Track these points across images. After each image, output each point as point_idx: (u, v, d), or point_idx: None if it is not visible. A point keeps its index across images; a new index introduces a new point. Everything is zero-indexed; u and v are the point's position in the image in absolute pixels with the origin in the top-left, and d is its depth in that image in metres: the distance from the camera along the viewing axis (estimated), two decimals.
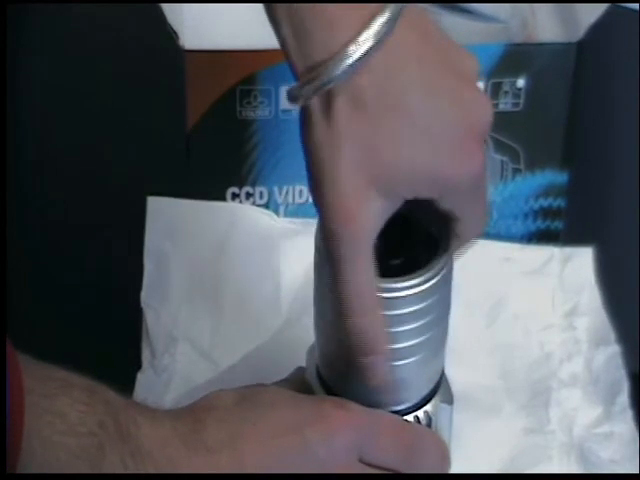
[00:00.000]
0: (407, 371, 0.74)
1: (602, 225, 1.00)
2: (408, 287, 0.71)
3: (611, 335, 0.92)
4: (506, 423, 0.89)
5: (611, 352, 0.91)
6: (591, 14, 0.93)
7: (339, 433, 0.73)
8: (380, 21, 0.67)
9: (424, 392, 0.77)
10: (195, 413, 0.73)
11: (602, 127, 1.03)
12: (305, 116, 0.71)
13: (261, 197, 0.98)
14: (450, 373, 0.78)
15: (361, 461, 0.74)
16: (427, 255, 0.73)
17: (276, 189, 0.98)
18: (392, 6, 0.68)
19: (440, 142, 0.70)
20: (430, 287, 0.71)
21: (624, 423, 0.88)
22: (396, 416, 0.77)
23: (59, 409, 0.67)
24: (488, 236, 0.97)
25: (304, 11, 0.69)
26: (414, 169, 0.70)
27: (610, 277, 0.93)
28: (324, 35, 0.68)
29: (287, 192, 0.98)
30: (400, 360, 0.73)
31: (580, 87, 0.94)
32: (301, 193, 0.98)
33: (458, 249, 0.77)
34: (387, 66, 0.69)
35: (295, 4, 0.69)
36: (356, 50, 0.67)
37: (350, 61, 0.67)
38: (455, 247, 0.76)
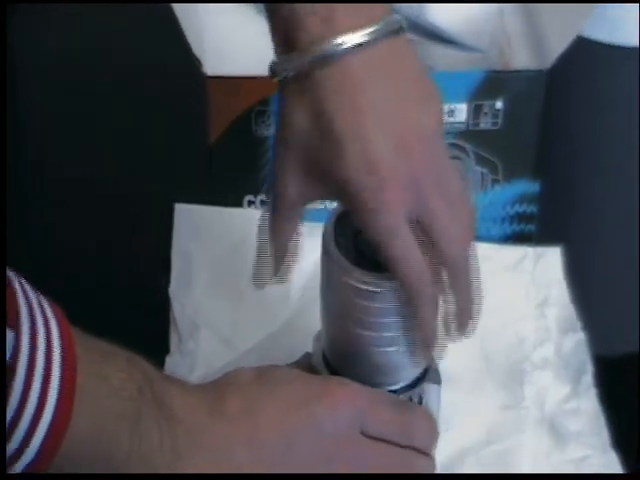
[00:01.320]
0: (399, 355, 0.74)
1: (569, 228, 1.00)
2: (396, 282, 0.71)
3: (577, 324, 0.92)
4: (486, 400, 0.88)
5: (577, 338, 0.92)
6: (560, 45, 0.92)
7: (343, 407, 0.73)
8: (374, 28, 0.70)
9: (416, 374, 0.77)
10: (218, 387, 0.74)
11: (568, 143, 1.03)
12: (282, 92, 0.73)
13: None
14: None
15: (362, 433, 0.74)
16: None
17: None
18: (386, 23, 0.70)
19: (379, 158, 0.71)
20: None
21: (589, 400, 0.88)
22: (393, 394, 0.77)
23: (104, 374, 0.68)
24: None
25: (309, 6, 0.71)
26: (339, 174, 0.71)
27: (576, 273, 0.93)
28: (323, 24, 0.70)
29: None
30: (393, 346, 0.73)
31: (550, 109, 0.94)
32: None
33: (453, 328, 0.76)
34: (361, 69, 0.70)
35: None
36: (346, 42, 0.68)
37: (337, 50, 0.69)
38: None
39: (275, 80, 0.74)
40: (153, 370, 0.72)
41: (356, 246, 0.74)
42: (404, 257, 0.72)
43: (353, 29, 0.69)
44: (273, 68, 0.73)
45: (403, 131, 0.71)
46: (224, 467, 0.72)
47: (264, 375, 0.75)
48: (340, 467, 0.74)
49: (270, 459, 0.73)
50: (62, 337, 0.66)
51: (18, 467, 0.65)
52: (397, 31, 0.72)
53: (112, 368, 0.69)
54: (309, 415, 0.73)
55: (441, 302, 0.74)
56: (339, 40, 0.69)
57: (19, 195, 1.07)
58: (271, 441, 0.73)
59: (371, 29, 0.70)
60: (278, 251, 0.78)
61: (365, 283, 0.72)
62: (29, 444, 0.64)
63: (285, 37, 0.73)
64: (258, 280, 0.79)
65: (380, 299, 0.72)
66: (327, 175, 0.73)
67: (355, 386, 0.76)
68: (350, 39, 0.69)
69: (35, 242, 1.02)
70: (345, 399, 0.74)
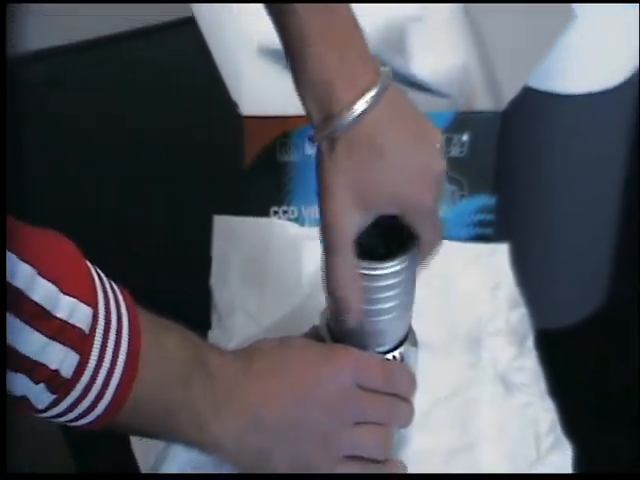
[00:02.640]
0: (386, 324, 0.78)
1: (516, 231, 1.02)
2: (386, 267, 0.75)
3: (521, 302, 0.94)
4: (453, 361, 0.90)
5: (521, 313, 0.93)
6: (511, 92, 0.95)
7: (343, 367, 0.77)
8: (370, 95, 0.73)
9: (398, 338, 0.80)
10: (248, 352, 0.77)
11: (517, 167, 1.05)
12: (318, 153, 0.76)
13: (293, 213, 0.99)
14: (416, 326, 0.82)
15: (358, 386, 0.77)
16: (402, 251, 0.76)
17: (303, 208, 0.99)
18: (379, 84, 0.74)
19: (406, 177, 0.75)
20: (400, 269, 0.76)
21: (531, 359, 0.90)
22: (381, 356, 0.80)
23: (162, 342, 0.71)
24: (444, 238, 0.93)
25: (320, 89, 0.74)
26: (386, 193, 0.75)
27: (520, 264, 0.96)
28: (334, 103, 0.73)
29: (310, 210, 0.99)
30: (382, 317, 0.77)
31: (503, 140, 0.97)
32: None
33: (423, 258, 0.80)
34: (374, 124, 0.74)
35: (313, 81, 0.75)
36: (353, 113, 0.73)
37: (349, 120, 0.73)
38: (420, 256, 0.79)
39: (315, 144, 0.76)
40: (199, 339, 0.75)
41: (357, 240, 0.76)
42: (438, 227, 0.78)
43: (359, 97, 0.73)
44: (311, 137, 0.76)
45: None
46: (253, 415, 0.74)
47: (283, 343, 0.78)
48: (342, 412, 0.76)
49: (288, 407, 0.75)
50: (129, 312, 0.68)
51: (91, 417, 0.67)
52: (390, 82, 0.76)
53: (168, 338, 0.71)
54: (318, 374, 0.76)
55: None
56: (354, 110, 0.73)
57: (119, 215, 1.08)
58: (290, 393, 0.75)
59: (372, 93, 0.73)
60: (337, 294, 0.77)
61: (364, 268, 0.75)
62: (103, 396, 0.66)
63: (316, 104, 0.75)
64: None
65: (373, 280, 0.75)
66: (379, 197, 0.75)
67: (353, 351, 0.78)
68: (357, 106, 0.73)
69: (132, 247, 1.04)
70: (345, 361, 0.77)
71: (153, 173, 1.09)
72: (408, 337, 0.81)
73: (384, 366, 0.80)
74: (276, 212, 0.99)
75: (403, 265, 0.76)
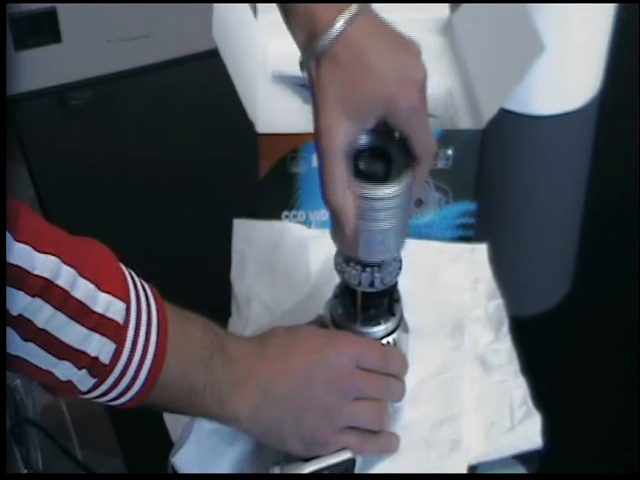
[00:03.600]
0: (384, 236, 0.75)
1: (494, 232, 1.03)
2: (386, 188, 0.73)
3: (497, 293, 0.94)
4: (439, 345, 0.90)
5: (498, 303, 0.93)
6: (489, 113, 0.95)
7: (345, 350, 0.77)
8: (350, 13, 0.72)
9: (393, 253, 0.78)
10: (263, 338, 0.77)
11: (495, 177, 1.07)
12: (309, 77, 0.74)
13: (301, 217, 0.99)
14: (406, 315, 0.82)
15: (357, 367, 0.77)
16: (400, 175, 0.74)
17: (310, 212, 0.99)
18: (355, 7, 0.72)
19: (390, 82, 0.72)
20: (397, 191, 0.73)
21: (506, 343, 0.90)
22: (377, 341, 0.80)
23: (187, 331, 0.71)
24: (430, 238, 0.99)
25: (305, 17, 0.73)
26: (373, 97, 0.72)
27: (497, 261, 0.97)
28: (317, 23, 0.72)
29: (316, 214, 0.99)
30: (380, 230, 0.75)
31: (483, 155, 0.97)
32: (323, 215, 0.96)
33: (419, 177, 0.76)
34: (355, 38, 0.72)
35: (299, 12, 0.73)
36: (335, 29, 0.71)
37: (332, 36, 0.72)
38: (417, 174, 0.75)
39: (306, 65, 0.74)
40: (219, 328, 0.75)
41: (356, 167, 0.74)
42: (428, 131, 0.75)
43: (338, 16, 0.72)
44: (301, 63, 0.74)
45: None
46: (266, 391, 0.74)
47: (292, 331, 0.78)
48: (343, 389, 0.76)
49: (297, 384, 0.75)
50: (158, 306, 0.69)
51: (127, 397, 0.68)
52: (369, 7, 0.74)
53: (193, 328, 0.72)
54: (322, 356, 0.76)
55: None
56: (334, 27, 0.71)
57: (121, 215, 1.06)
58: (298, 372, 0.75)
59: (352, 11, 0.72)
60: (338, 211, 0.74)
61: (363, 189, 0.73)
62: (137, 379, 0.67)
63: (304, 30, 0.73)
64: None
65: (374, 202, 0.73)
66: (367, 102, 0.72)
67: (353, 337, 0.79)
68: (338, 23, 0.71)
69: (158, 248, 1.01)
70: (346, 345, 0.78)
71: (182, 183, 1.08)
72: (400, 325, 0.81)
73: (380, 350, 0.80)
74: (287, 216, 0.99)
75: (400, 187, 0.73)
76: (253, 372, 0.74)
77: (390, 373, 0.80)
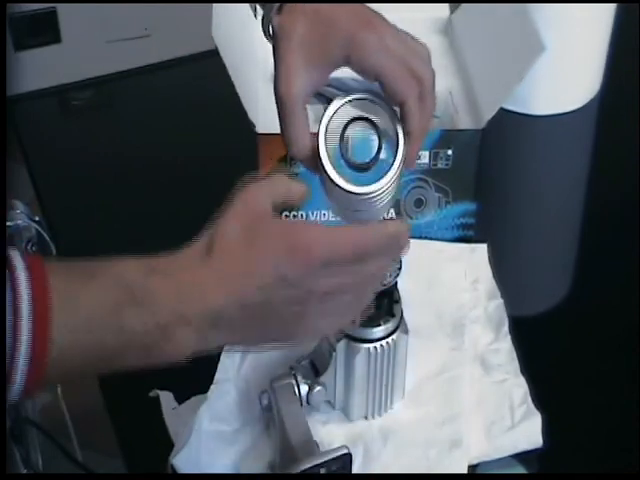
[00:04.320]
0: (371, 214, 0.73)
1: (493, 232, 1.03)
2: (372, 189, 0.70)
3: (497, 293, 0.94)
4: (439, 345, 0.90)
5: (498, 303, 0.93)
6: (489, 113, 0.95)
7: (309, 265, 0.65)
8: None
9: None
10: (209, 243, 0.66)
11: (495, 178, 1.07)
12: (271, 29, 0.74)
13: (302, 217, 0.98)
14: (406, 315, 0.82)
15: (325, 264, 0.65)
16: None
17: (310, 212, 0.98)
18: None
19: (351, 21, 0.71)
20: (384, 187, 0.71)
21: (506, 343, 0.90)
22: (354, 233, 0.67)
23: (76, 297, 0.61)
24: (430, 238, 0.99)
25: None
26: (334, 36, 0.70)
27: (496, 261, 0.97)
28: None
29: (315, 214, 0.98)
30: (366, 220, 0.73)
31: (482, 155, 0.97)
32: (323, 215, 0.97)
33: (412, 149, 0.71)
34: None
35: None
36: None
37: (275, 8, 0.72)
38: (411, 144, 0.71)
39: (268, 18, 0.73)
40: (142, 268, 0.63)
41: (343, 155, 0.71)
42: (406, 76, 0.71)
43: None
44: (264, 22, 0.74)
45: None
46: (214, 325, 0.64)
47: (248, 232, 0.66)
48: (308, 306, 0.66)
49: (251, 312, 0.65)
50: (31, 282, 0.59)
51: (16, 386, 0.59)
52: None
53: (87, 291, 0.61)
54: (282, 277, 0.64)
55: None
56: None
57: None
58: (252, 301, 0.65)
59: None
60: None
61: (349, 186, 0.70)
62: (16, 364, 0.58)
63: None
64: None
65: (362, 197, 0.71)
66: (328, 42, 0.70)
67: (319, 234, 0.66)
68: None
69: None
70: (308, 257, 0.65)
71: (182, 182, 1.07)
72: (400, 326, 0.81)
73: (355, 246, 0.67)
74: (287, 215, 0.98)
75: (388, 184, 0.71)
76: (192, 305, 0.64)
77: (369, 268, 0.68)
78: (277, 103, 0.71)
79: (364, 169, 0.72)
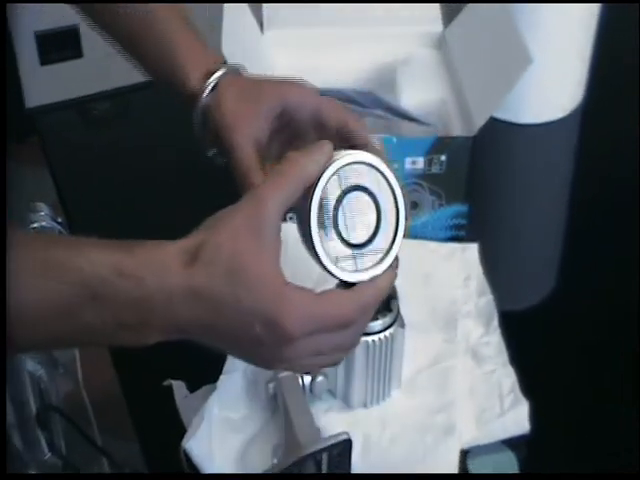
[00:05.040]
0: None
1: (484, 232, 1.02)
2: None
3: (488, 289, 0.93)
4: (433, 338, 0.89)
5: (488, 298, 0.93)
6: (480, 122, 0.94)
7: (290, 330, 0.60)
8: (219, 74, 0.75)
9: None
10: (194, 268, 0.60)
11: (485, 181, 1.07)
12: (210, 104, 0.73)
13: None
14: (403, 310, 0.82)
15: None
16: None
17: None
18: (225, 68, 0.75)
19: (283, 83, 0.73)
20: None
21: (496, 336, 0.89)
22: (338, 297, 0.64)
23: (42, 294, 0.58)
24: (424, 238, 0.98)
25: (201, 54, 0.76)
26: (270, 88, 0.72)
27: (487, 259, 0.96)
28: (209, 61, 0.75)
29: None
30: None
31: (474, 160, 0.97)
32: None
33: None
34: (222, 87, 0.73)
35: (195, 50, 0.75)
36: (209, 84, 0.74)
37: (208, 90, 0.74)
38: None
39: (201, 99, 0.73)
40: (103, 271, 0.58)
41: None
42: (328, 98, 0.72)
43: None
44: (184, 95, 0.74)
45: None
46: (181, 331, 0.60)
47: (231, 274, 0.59)
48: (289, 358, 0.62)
49: (225, 339, 0.61)
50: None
51: None
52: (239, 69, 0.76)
53: (51, 286, 0.58)
54: (260, 341, 0.60)
55: None
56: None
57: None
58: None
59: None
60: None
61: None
62: None
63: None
64: None
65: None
66: (264, 93, 0.71)
67: (306, 303, 0.62)
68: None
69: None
70: (294, 322, 0.60)
71: (199, 186, 1.06)
72: (397, 320, 0.81)
73: (337, 317, 0.63)
74: (291, 218, 0.93)
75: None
76: (156, 313, 0.59)
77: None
78: (226, 153, 0.71)
79: (355, 246, 0.65)
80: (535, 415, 0.82)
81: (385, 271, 0.65)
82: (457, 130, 0.99)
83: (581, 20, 1.10)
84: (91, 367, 1.06)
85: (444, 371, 0.86)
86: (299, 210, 0.64)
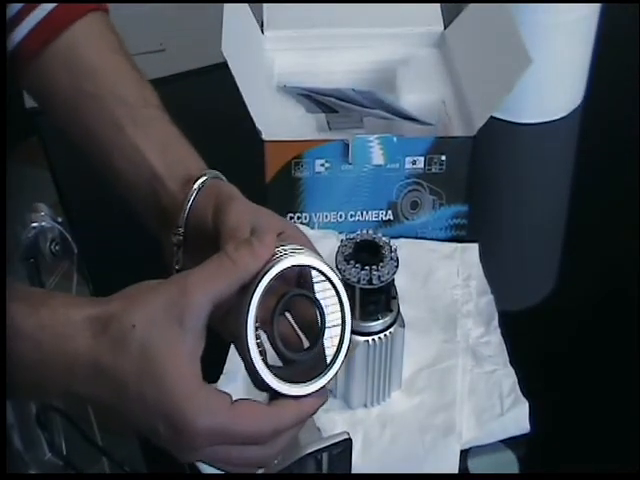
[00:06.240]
0: None
1: (485, 233, 1.03)
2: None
3: (488, 289, 0.93)
4: (433, 338, 0.89)
5: (488, 298, 0.93)
6: (480, 121, 0.94)
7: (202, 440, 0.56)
8: (201, 181, 0.71)
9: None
10: (110, 346, 0.55)
11: (485, 181, 1.07)
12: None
13: (305, 218, 0.98)
14: (403, 310, 0.82)
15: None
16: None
17: (313, 214, 0.98)
18: (207, 174, 0.72)
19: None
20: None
21: (496, 336, 0.89)
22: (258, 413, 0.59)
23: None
24: (425, 238, 0.99)
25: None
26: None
27: (487, 259, 0.97)
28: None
29: (318, 216, 0.98)
30: None
31: (474, 160, 0.97)
32: (326, 217, 0.98)
33: None
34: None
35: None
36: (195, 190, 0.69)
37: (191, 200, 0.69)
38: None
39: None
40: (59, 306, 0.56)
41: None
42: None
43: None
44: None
45: None
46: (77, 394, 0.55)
47: (143, 364, 0.54)
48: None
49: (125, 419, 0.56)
50: None
51: None
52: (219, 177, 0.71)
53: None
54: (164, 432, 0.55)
55: None
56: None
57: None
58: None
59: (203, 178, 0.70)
60: None
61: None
62: None
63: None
64: None
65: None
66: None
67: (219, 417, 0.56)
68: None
69: None
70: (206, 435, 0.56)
71: None
72: (397, 320, 0.81)
73: (248, 438, 0.58)
74: (292, 217, 0.98)
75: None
76: (53, 375, 0.55)
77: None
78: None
79: (290, 356, 0.60)
80: (535, 415, 0.82)
81: (318, 390, 0.59)
82: (457, 130, 0.98)
83: (581, 20, 1.10)
84: None
85: (444, 371, 0.86)
86: (234, 305, 0.58)
